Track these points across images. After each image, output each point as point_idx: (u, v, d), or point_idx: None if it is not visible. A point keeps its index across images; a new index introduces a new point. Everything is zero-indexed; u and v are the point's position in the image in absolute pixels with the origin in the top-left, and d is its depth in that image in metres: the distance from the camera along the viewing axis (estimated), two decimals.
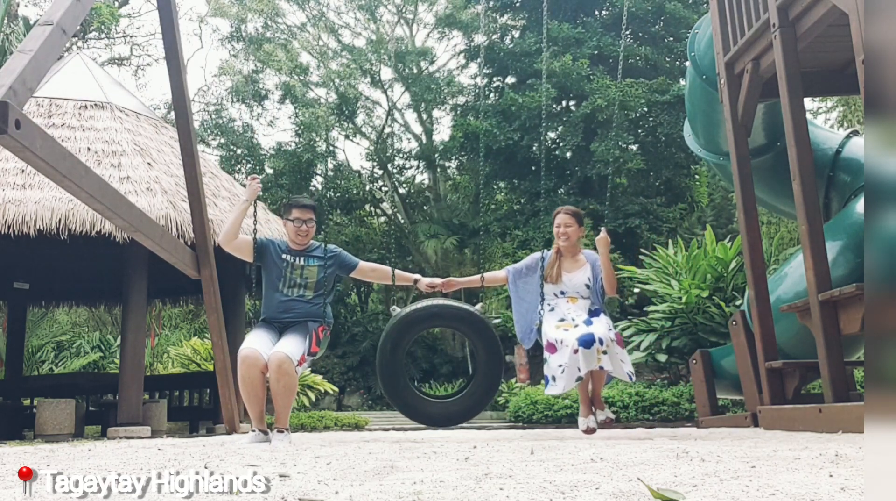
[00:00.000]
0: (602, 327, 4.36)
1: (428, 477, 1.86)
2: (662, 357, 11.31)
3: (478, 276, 4.87)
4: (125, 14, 24.70)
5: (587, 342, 4.23)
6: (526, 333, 4.75)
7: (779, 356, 5.07)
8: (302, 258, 4.32)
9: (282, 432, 4.07)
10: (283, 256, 4.31)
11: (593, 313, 4.56)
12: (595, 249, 4.74)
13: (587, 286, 4.63)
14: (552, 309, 4.61)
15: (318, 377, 12.78)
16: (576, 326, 4.41)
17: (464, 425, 5.61)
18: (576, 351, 4.24)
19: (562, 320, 4.52)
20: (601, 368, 4.27)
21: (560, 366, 4.29)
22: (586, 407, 4.61)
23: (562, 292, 4.62)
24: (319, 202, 22.08)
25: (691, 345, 10.56)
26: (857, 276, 4.90)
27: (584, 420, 4.59)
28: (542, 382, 4.69)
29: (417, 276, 4.75)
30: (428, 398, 5.16)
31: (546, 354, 4.45)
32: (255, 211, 4.65)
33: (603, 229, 4.67)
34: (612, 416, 4.69)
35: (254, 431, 4.08)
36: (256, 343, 4.05)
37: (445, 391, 17.77)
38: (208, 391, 10.54)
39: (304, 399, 11.84)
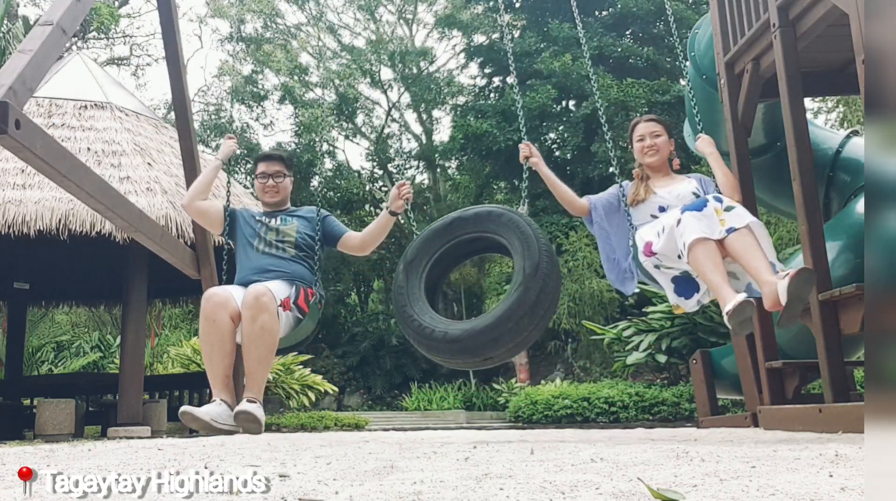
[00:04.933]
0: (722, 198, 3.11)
1: (428, 477, 1.86)
2: (662, 357, 11.31)
3: (565, 188, 3.71)
4: (125, 14, 24.71)
5: (698, 205, 3.04)
6: (618, 276, 3.55)
7: (779, 356, 5.07)
8: (278, 218, 3.57)
9: (252, 402, 2.93)
10: (258, 218, 3.60)
11: None
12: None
13: (696, 195, 3.37)
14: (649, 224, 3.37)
15: (318, 377, 12.78)
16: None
17: (464, 425, 5.44)
18: (679, 222, 3.03)
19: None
20: (731, 229, 2.92)
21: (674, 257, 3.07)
22: (727, 284, 2.93)
23: (661, 209, 3.39)
24: (319, 202, 22.09)
25: (691, 345, 10.57)
26: (857, 276, 4.90)
27: (734, 298, 2.84)
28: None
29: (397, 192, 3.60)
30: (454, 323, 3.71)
31: (644, 258, 3.25)
32: (228, 179, 4.27)
33: (700, 134, 3.68)
34: (791, 271, 2.84)
35: (214, 400, 3.03)
36: (227, 287, 3.29)
37: (445, 391, 17.72)
38: (208, 391, 10.51)
39: (304, 399, 11.84)
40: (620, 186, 3.62)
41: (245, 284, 3.30)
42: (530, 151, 3.70)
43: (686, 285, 3.23)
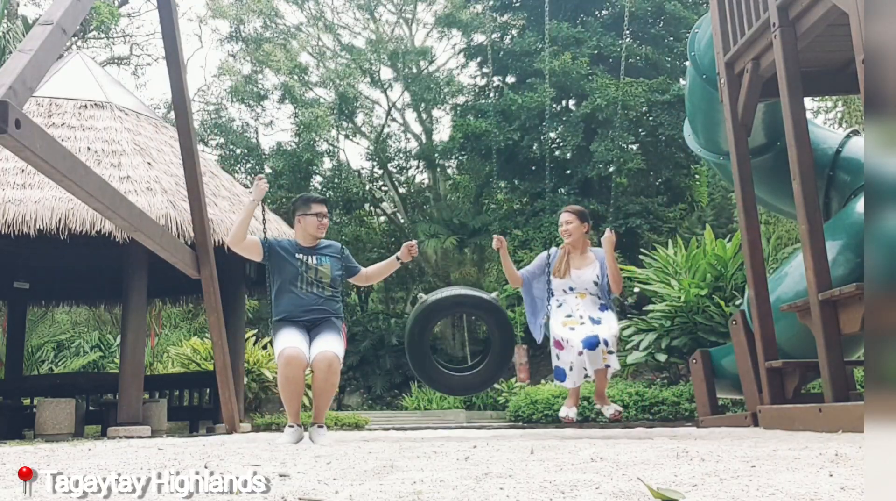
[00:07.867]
0: (606, 328, 4.52)
1: (428, 477, 1.86)
2: (662, 357, 11.31)
3: (513, 268, 5.01)
4: (125, 14, 24.70)
5: (592, 344, 4.40)
6: (536, 328, 4.95)
7: (779, 355, 5.07)
8: (315, 257, 4.31)
9: (321, 427, 4.22)
10: (297, 254, 4.29)
11: (601, 308, 4.72)
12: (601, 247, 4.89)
13: (595, 283, 4.75)
14: (560, 305, 4.74)
15: None
16: (582, 323, 4.56)
17: (464, 424, 5.77)
18: (580, 353, 4.41)
19: (569, 316, 4.65)
20: (607, 366, 4.47)
21: (570, 363, 4.50)
22: (574, 399, 4.83)
23: (570, 288, 4.75)
24: None
25: (691, 345, 10.56)
26: (857, 276, 4.90)
27: (567, 409, 4.82)
28: (553, 374, 4.85)
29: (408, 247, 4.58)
30: (450, 372, 5.76)
31: (554, 349, 4.62)
32: (262, 211, 4.70)
33: (608, 229, 4.76)
34: (620, 408, 4.83)
35: (291, 426, 4.16)
36: (297, 342, 4.07)
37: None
38: (208, 390, 10.53)
39: (303, 399, 11.83)
40: (549, 254, 4.91)
41: (294, 320, 4.21)
42: (501, 244, 4.82)
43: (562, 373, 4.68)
